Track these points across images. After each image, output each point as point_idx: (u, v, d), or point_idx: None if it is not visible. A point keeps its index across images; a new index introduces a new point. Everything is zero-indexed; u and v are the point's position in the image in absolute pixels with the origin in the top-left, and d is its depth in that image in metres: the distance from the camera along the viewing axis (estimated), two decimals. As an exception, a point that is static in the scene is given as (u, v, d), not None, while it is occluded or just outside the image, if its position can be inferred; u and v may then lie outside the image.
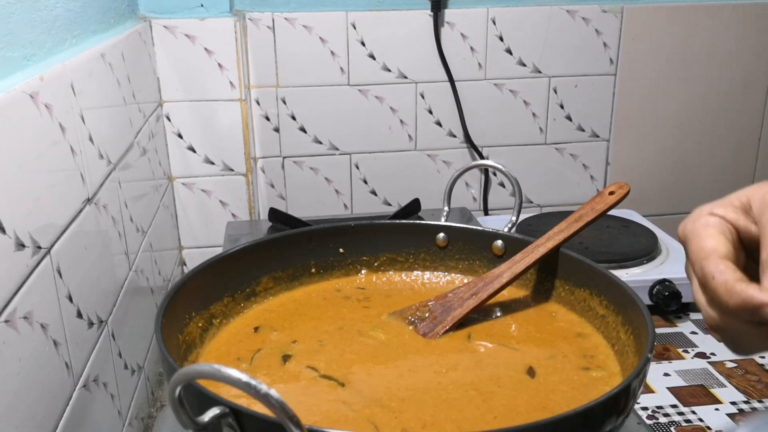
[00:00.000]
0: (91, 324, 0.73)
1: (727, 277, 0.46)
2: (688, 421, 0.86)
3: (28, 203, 0.59)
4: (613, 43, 1.34)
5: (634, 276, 1.10)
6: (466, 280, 0.77)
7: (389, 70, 1.29)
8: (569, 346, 0.66)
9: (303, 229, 0.79)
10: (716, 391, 0.91)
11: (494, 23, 1.29)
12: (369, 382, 0.60)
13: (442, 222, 0.79)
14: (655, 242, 1.18)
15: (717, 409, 0.88)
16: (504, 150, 1.37)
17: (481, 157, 1.36)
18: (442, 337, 0.67)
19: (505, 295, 0.72)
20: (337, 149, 1.32)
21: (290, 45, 1.25)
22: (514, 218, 0.78)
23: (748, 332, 0.46)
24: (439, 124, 1.34)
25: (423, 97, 1.31)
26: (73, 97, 0.72)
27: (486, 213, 1.41)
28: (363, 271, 0.79)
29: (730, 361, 0.98)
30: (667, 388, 0.92)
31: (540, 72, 1.33)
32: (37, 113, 0.62)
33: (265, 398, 0.38)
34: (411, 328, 0.69)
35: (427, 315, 0.69)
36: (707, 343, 1.02)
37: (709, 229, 0.49)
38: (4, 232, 0.53)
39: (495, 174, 1.39)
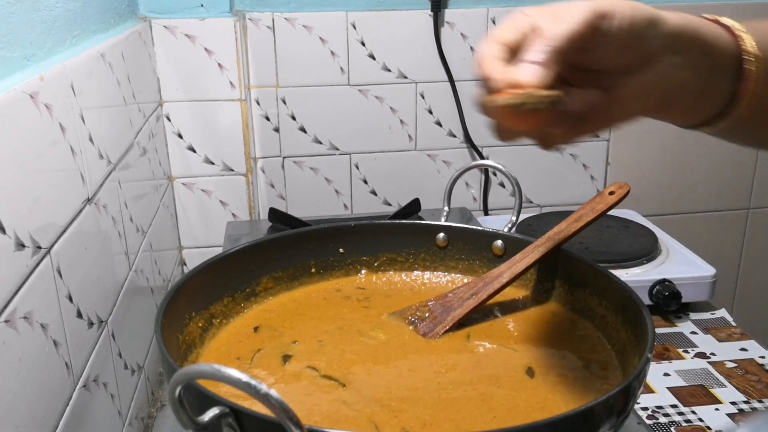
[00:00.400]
0: (91, 324, 0.73)
1: (485, 51, 0.50)
2: (688, 421, 0.86)
3: (28, 203, 0.59)
4: (613, 43, 1.34)
5: (634, 276, 1.10)
6: (466, 280, 0.77)
7: (389, 70, 1.29)
8: (569, 346, 0.66)
9: (303, 229, 0.79)
10: (716, 391, 0.91)
11: (494, 23, 1.29)
12: (369, 382, 0.60)
13: (442, 222, 0.79)
14: (655, 242, 1.18)
15: (717, 409, 0.88)
16: (504, 150, 1.37)
17: (481, 157, 1.36)
18: (442, 337, 0.67)
19: (505, 295, 0.72)
20: (337, 149, 1.32)
21: (290, 45, 1.25)
22: (514, 218, 0.78)
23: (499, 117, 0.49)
24: (439, 124, 1.34)
25: (423, 97, 1.31)
26: (73, 97, 0.72)
27: (486, 213, 1.41)
28: (363, 271, 0.79)
29: (730, 361, 0.98)
30: (667, 388, 0.92)
31: (540, 72, 1.33)
32: (37, 113, 0.62)
33: (265, 398, 0.38)
34: (411, 328, 0.69)
35: (427, 315, 0.69)
36: (707, 343, 1.02)
37: (508, 22, 0.52)
38: (4, 232, 0.53)
39: (495, 174, 1.39)
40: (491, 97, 0.47)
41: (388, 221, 0.85)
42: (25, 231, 0.57)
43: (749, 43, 0.55)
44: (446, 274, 0.79)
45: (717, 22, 0.57)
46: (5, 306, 0.53)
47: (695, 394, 0.91)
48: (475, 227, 0.79)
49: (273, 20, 1.23)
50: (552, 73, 0.48)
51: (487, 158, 1.36)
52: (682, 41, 0.53)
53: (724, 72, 0.56)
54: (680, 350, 1.01)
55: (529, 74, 0.47)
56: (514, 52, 0.50)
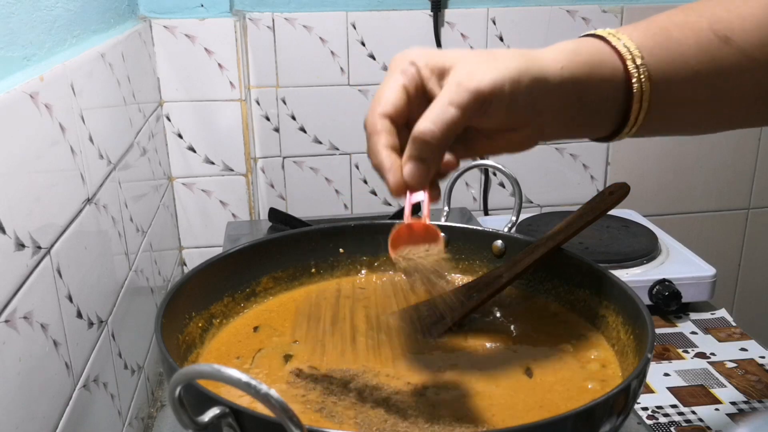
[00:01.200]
0: (91, 324, 0.73)
1: (372, 136, 0.54)
2: (688, 421, 0.86)
3: (28, 203, 0.59)
4: (613, 43, 1.34)
5: (634, 276, 1.10)
6: (466, 280, 0.77)
7: (389, 70, 1.29)
8: (568, 345, 0.66)
9: (303, 229, 0.79)
10: (716, 391, 0.91)
11: (494, 23, 1.29)
12: (369, 382, 0.60)
13: (442, 222, 0.79)
14: (655, 242, 1.18)
15: (717, 409, 0.88)
16: (504, 150, 1.37)
17: (481, 157, 1.35)
18: (442, 337, 0.67)
19: (506, 295, 0.72)
20: (337, 149, 1.32)
21: (290, 45, 1.25)
22: (514, 218, 0.78)
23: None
24: (439, 124, 1.33)
25: (423, 97, 1.31)
26: (73, 97, 0.72)
27: (486, 213, 1.41)
28: (363, 271, 0.79)
29: (730, 361, 0.98)
30: (667, 388, 0.92)
31: (540, 72, 1.33)
32: (37, 113, 0.62)
33: (265, 398, 0.38)
34: (411, 328, 0.69)
35: (426, 315, 0.69)
36: (707, 343, 1.02)
37: (397, 76, 0.52)
38: (4, 232, 0.53)
39: (495, 174, 1.39)
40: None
41: (388, 221, 0.85)
42: (25, 231, 0.57)
43: (640, 70, 0.53)
44: (446, 274, 0.79)
45: (611, 45, 0.54)
46: (5, 306, 0.53)
47: (695, 394, 0.91)
48: (475, 227, 0.79)
49: (273, 20, 1.23)
50: (433, 170, 0.51)
51: (487, 158, 1.36)
52: (566, 98, 0.53)
53: (612, 105, 0.55)
54: (680, 350, 1.01)
55: (412, 178, 0.51)
56: (401, 123, 0.52)
